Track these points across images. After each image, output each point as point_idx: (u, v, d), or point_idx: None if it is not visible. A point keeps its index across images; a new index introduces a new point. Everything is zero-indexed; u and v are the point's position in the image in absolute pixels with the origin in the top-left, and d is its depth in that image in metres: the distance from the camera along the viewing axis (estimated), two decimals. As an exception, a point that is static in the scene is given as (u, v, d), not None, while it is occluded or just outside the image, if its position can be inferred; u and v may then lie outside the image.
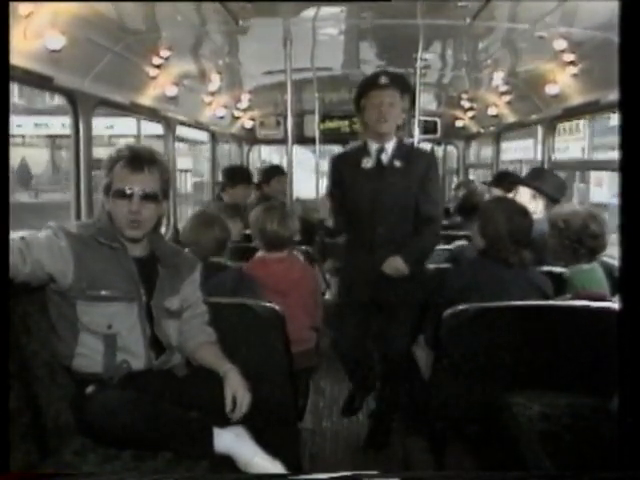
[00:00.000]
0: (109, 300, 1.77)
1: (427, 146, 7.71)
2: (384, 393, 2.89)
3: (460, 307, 2.09)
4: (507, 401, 1.89)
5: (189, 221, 2.54)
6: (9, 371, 1.42)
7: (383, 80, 2.58)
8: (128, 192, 1.79)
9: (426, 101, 5.57)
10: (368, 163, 2.64)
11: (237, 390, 1.79)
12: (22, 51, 2.42)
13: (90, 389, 1.70)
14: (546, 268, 2.54)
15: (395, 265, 2.53)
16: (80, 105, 3.05)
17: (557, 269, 2.53)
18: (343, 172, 2.69)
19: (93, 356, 1.76)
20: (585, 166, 4.89)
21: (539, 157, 4.33)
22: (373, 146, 2.65)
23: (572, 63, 3.37)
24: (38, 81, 2.65)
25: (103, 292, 1.76)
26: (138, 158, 1.81)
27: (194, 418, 1.71)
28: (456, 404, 2.18)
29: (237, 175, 4.35)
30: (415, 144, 3.16)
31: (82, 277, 1.74)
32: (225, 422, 1.71)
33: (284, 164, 3.86)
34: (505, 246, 2.28)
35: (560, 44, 3.19)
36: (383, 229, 2.59)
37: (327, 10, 2.96)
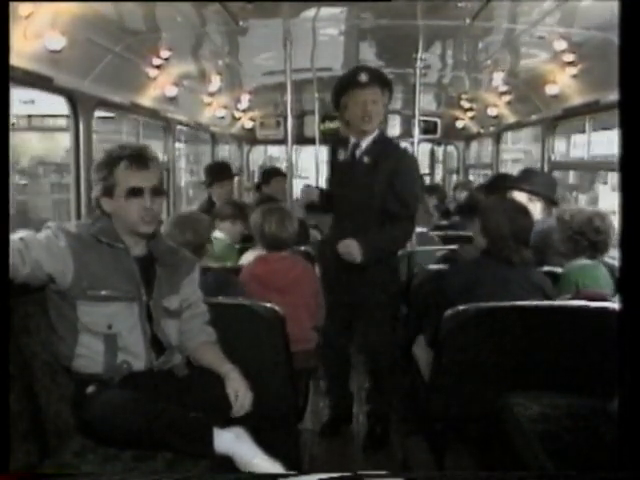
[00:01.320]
0: (109, 300, 1.77)
1: (427, 146, 7.74)
2: (376, 393, 2.86)
3: (460, 307, 2.08)
4: (507, 401, 1.88)
5: (166, 223, 2.50)
6: (9, 372, 1.42)
7: (363, 78, 2.57)
8: (140, 189, 1.79)
9: (426, 101, 5.58)
10: (342, 156, 2.72)
11: (239, 389, 1.80)
12: (22, 52, 2.42)
13: (90, 389, 1.70)
14: (547, 268, 2.53)
15: (348, 247, 2.48)
16: (80, 105, 3.06)
17: (557, 269, 2.53)
18: (331, 161, 2.83)
19: (93, 356, 1.76)
20: (585, 166, 4.86)
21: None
22: (352, 141, 2.70)
23: (572, 63, 3.38)
24: (38, 82, 2.65)
25: (103, 292, 1.76)
26: (141, 155, 1.83)
27: (194, 418, 1.70)
28: (456, 404, 2.17)
29: (221, 171, 4.34)
30: (394, 140, 3.10)
31: (82, 277, 1.73)
32: (225, 422, 1.71)
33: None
34: (507, 245, 2.28)
35: (560, 44, 3.20)
36: (346, 222, 2.62)
37: (327, 11, 2.96)
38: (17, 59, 2.40)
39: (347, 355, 2.88)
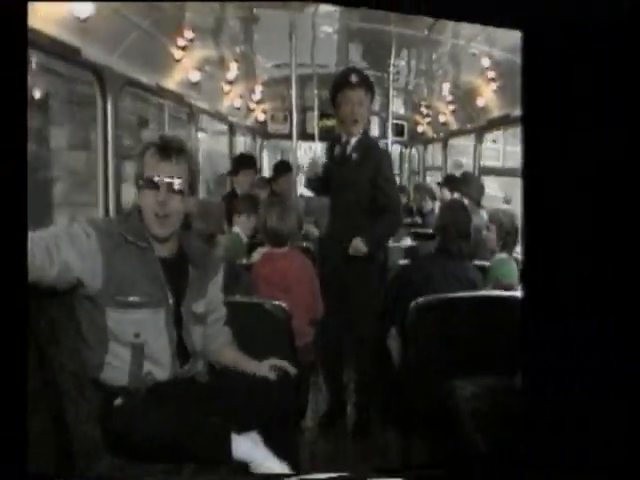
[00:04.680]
0: (137, 307, 1.20)
1: (397, 148, 6.98)
2: (361, 385, 2.33)
3: (421, 299, 1.69)
4: (452, 385, 1.55)
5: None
6: (31, 388, 0.93)
7: (354, 79, 2.08)
8: (156, 180, 1.21)
9: (397, 105, 4.86)
10: (337, 151, 2.21)
11: (274, 363, 1.37)
12: (48, 17, 1.72)
13: (118, 401, 1.19)
14: (476, 262, 2.15)
15: (356, 245, 2.07)
16: (108, 85, 2.23)
17: (484, 263, 2.18)
18: (329, 156, 2.30)
19: (121, 367, 1.22)
20: (508, 173, 4.35)
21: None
22: (343, 138, 2.21)
23: (493, 80, 2.99)
24: (64, 51, 1.92)
25: (131, 298, 1.20)
26: (167, 146, 1.24)
27: (215, 424, 1.22)
28: (420, 393, 1.76)
29: (246, 160, 3.52)
30: (375, 140, 2.60)
31: (111, 280, 1.17)
32: (241, 429, 1.23)
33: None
34: (451, 238, 1.97)
35: (485, 61, 2.79)
36: (339, 216, 2.17)
37: (325, 8, 2.38)
38: (41, 24, 1.71)
39: (342, 348, 2.33)
